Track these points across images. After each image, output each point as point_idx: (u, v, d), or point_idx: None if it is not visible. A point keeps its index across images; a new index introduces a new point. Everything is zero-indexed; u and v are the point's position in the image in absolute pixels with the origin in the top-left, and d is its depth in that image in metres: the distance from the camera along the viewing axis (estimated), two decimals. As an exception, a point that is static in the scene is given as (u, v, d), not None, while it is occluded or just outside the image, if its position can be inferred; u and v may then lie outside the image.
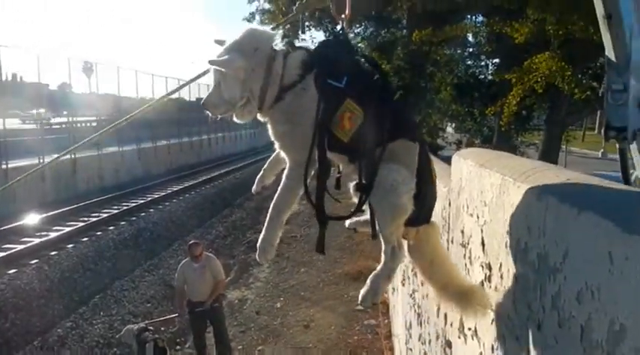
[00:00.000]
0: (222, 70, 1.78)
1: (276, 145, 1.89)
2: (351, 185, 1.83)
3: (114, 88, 25.45)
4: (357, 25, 17.11)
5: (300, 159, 1.76)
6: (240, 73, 1.77)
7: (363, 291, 1.77)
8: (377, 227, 1.78)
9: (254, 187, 2.17)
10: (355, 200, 1.82)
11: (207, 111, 1.90)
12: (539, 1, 8.64)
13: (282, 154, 1.90)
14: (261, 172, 2.16)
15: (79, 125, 23.61)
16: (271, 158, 2.12)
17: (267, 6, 16.38)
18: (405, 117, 1.96)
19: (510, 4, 9.33)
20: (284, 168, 1.91)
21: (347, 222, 2.04)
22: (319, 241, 1.89)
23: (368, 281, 1.78)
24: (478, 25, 13.62)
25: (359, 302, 1.79)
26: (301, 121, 1.76)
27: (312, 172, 1.81)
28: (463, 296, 1.80)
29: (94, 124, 24.57)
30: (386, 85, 1.85)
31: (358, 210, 1.83)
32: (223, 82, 1.81)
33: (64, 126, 22.84)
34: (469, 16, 14.76)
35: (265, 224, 1.86)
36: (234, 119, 1.90)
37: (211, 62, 1.77)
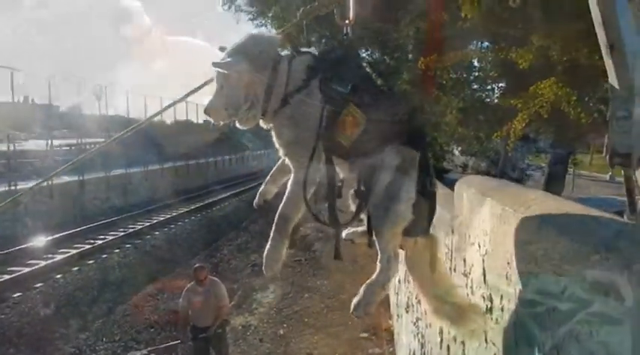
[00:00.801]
0: (226, 72, 1.75)
1: (281, 152, 1.85)
2: (350, 192, 1.80)
3: (123, 110, 25.92)
4: (363, 50, 17.28)
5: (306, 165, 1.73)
6: (243, 75, 1.75)
7: (355, 300, 1.72)
8: (373, 235, 1.73)
9: (256, 200, 2.12)
10: (353, 208, 1.79)
11: (210, 118, 1.85)
12: (543, 29, 8.70)
13: (287, 161, 1.85)
14: (263, 185, 2.11)
15: (87, 146, 23.80)
16: (273, 170, 2.08)
17: (274, 32, 16.66)
18: (407, 125, 1.92)
19: (515, 31, 9.39)
20: (287, 181, 1.87)
21: (344, 233, 1.99)
22: (336, 248, 1.86)
23: (361, 290, 1.73)
24: (483, 50, 13.66)
25: (351, 311, 1.74)
26: (306, 126, 1.73)
27: (317, 179, 1.78)
28: (458, 310, 1.77)
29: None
30: (390, 92, 1.83)
31: (356, 218, 1.80)
32: (226, 85, 1.78)
33: (72, 148, 23.03)
34: (474, 42, 14.85)
35: (271, 234, 1.80)
36: (237, 125, 1.87)
37: (215, 64, 1.75)
